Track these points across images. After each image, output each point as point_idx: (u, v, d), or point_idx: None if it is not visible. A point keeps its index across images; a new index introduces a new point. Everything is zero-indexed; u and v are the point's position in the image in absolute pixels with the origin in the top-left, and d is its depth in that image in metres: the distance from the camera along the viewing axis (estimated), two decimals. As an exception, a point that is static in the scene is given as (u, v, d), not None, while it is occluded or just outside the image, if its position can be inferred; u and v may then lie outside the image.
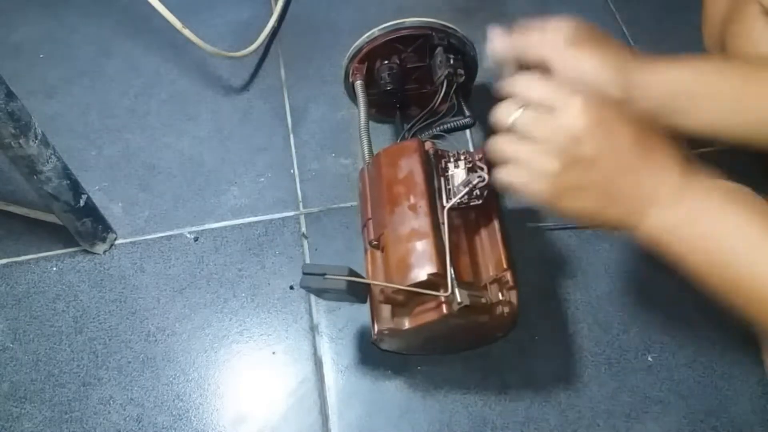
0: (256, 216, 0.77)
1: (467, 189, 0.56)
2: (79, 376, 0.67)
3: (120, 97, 0.87)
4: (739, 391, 0.66)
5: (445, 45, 0.69)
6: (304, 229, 0.76)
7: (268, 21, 0.91)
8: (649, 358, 0.68)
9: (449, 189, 0.58)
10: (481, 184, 0.56)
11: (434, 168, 0.60)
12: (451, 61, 0.69)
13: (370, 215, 0.62)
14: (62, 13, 0.95)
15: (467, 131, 0.75)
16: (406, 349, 0.65)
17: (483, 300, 0.55)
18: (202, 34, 0.79)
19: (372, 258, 0.59)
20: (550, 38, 0.52)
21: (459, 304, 0.53)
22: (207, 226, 0.76)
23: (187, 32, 0.78)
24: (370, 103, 0.78)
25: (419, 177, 0.59)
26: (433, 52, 0.71)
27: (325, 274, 0.54)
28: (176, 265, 0.74)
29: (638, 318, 0.70)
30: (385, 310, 0.57)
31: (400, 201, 0.58)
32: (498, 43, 0.55)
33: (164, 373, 0.67)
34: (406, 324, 0.56)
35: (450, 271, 0.53)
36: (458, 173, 0.58)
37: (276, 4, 0.94)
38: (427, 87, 0.74)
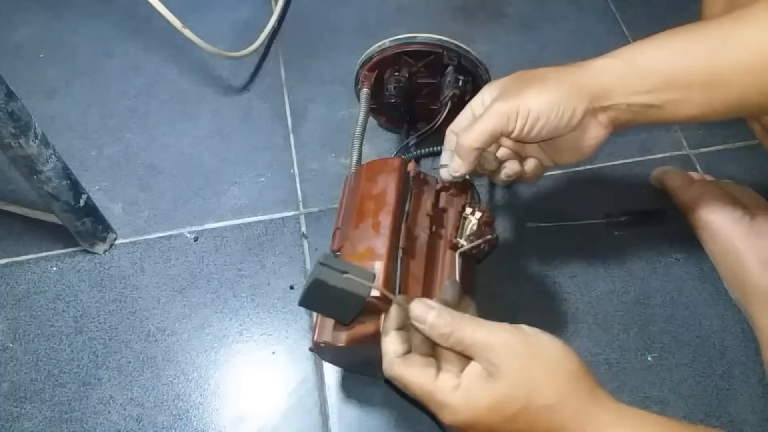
0: (256, 216, 0.77)
1: (479, 241, 0.56)
2: (79, 376, 0.67)
3: (120, 97, 0.87)
4: (739, 391, 0.66)
5: (456, 65, 0.68)
6: (304, 229, 0.76)
7: (268, 21, 0.91)
8: (649, 358, 0.68)
9: (460, 231, 0.58)
10: (490, 242, 0.57)
11: (410, 191, 0.59)
12: (460, 83, 0.68)
13: (339, 225, 0.61)
14: (62, 13, 0.95)
15: None
16: (346, 367, 0.64)
17: None
18: (202, 34, 0.79)
19: None
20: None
21: None
22: (207, 226, 0.76)
23: (187, 32, 0.78)
24: (379, 112, 0.78)
25: (391, 197, 0.58)
26: (444, 71, 0.70)
27: (346, 273, 0.46)
28: (176, 265, 0.74)
29: (638, 318, 0.70)
30: (328, 321, 0.56)
31: (366, 217, 0.57)
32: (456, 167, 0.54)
33: (164, 373, 0.67)
34: (342, 340, 0.55)
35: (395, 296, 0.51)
36: (473, 221, 0.58)
37: (276, 4, 0.94)
38: (437, 104, 0.73)
